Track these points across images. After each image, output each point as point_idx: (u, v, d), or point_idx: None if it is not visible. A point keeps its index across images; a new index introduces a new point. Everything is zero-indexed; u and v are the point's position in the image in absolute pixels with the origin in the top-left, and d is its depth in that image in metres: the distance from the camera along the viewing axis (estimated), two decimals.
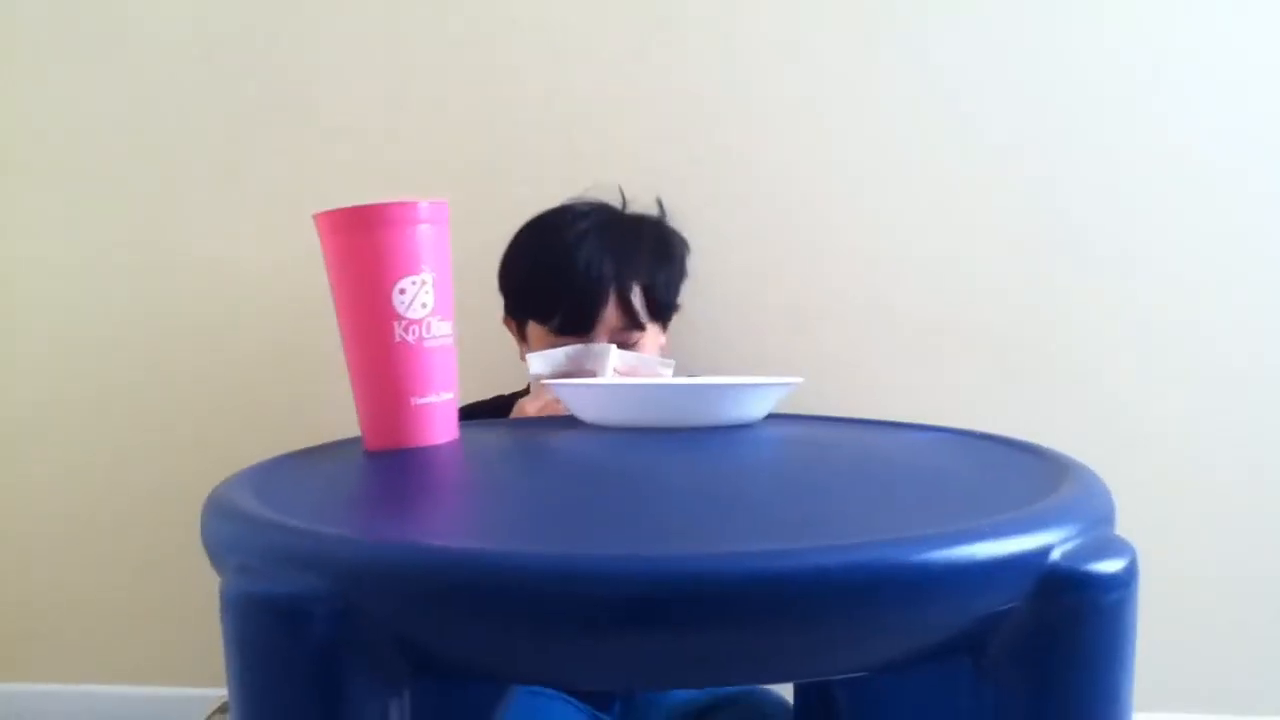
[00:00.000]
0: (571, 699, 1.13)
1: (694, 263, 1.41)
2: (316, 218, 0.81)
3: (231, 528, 0.58)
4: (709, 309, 1.50)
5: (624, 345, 1.26)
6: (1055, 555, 0.53)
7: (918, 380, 1.53)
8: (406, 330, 0.80)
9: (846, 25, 1.51)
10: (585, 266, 1.25)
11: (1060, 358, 1.52)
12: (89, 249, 1.66)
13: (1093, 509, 0.59)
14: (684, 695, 1.15)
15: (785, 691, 1.16)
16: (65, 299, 1.67)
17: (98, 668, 1.72)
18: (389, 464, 0.77)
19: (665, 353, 1.37)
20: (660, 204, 1.44)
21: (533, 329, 1.31)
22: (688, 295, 1.40)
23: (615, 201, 1.40)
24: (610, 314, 1.26)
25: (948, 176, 1.51)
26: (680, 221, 1.43)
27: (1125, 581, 0.54)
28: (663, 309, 1.33)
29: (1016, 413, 1.51)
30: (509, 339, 1.38)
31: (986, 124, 1.51)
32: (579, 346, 1.18)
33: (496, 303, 1.37)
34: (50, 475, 1.70)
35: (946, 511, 0.60)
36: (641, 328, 1.29)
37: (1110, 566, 0.54)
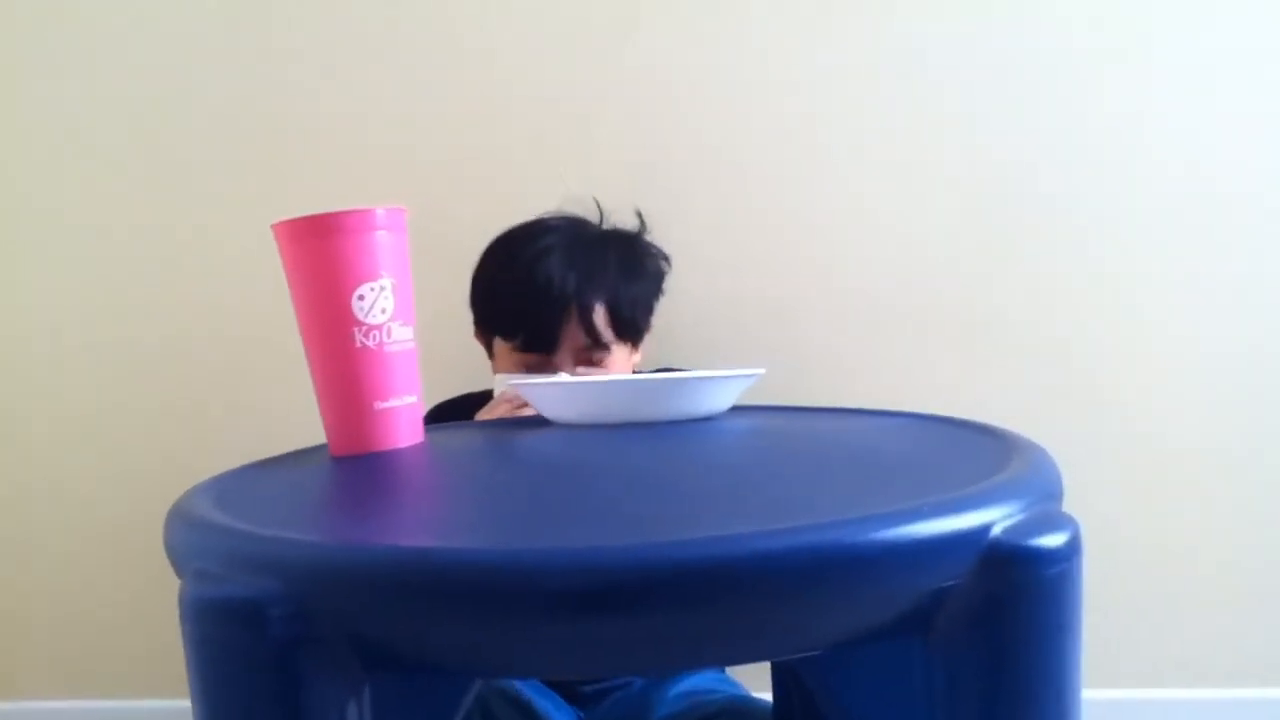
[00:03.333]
0: (550, 694, 1.13)
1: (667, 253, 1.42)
2: (274, 227, 0.82)
3: (189, 534, 0.59)
4: (682, 301, 1.51)
5: (589, 364, 1.25)
6: (996, 531, 0.54)
7: (892, 366, 1.55)
8: (367, 336, 0.81)
9: (818, 15, 1.52)
10: (546, 283, 1.22)
11: (1033, 340, 1.54)
12: (73, 258, 1.67)
13: (1037, 485, 0.60)
14: (670, 710, 1.14)
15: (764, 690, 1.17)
16: (49, 315, 1.68)
17: (88, 682, 1.73)
18: (353, 468, 0.78)
19: (638, 370, 1.35)
20: (640, 216, 1.41)
21: (498, 345, 1.30)
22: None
23: (593, 213, 1.37)
24: (573, 332, 1.24)
25: (918, 161, 1.53)
26: (652, 215, 1.42)
27: (1067, 555, 0.55)
28: (630, 328, 1.29)
29: (988, 394, 1.52)
30: (475, 343, 1.38)
31: (955, 107, 1.52)
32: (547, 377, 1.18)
33: (463, 306, 1.36)
34: (38, 490, 1.71)
35: (894, 493, 0.60)
36: (606, 348, 1.26)
37: (1051, 541, 0.55)
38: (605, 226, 1.37)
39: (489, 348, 1.34)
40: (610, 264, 1.28)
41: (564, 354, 1.25)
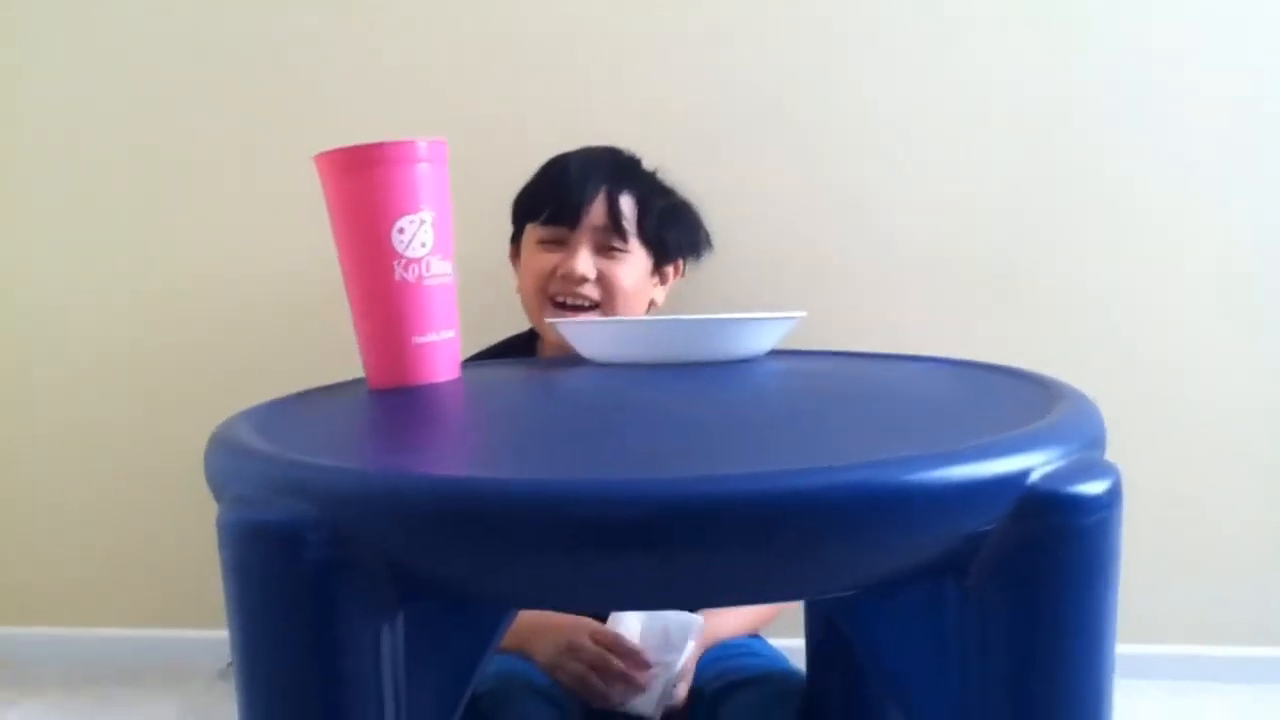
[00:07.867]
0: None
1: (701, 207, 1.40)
2: (316, 159, 0.82)
3: (229, 460, 0.59)
4: (725, 251, 1.49)
5: (608, 254, 1.25)
6: (1035, 477, 0.53)
7: (935, 319, 1.53)
8: (406, 269, 0.81)
9: None
10: (581, 163, 1.27)
11: (1078, 292, 1.51)
12: (101, 215, 1.68)
13: (1078, 432, 0.59)
14: (702, 678, 1.11)
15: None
16: (96, 261, 1.70)
17: (115, 611, 1.78)
18: (390, 401, 0.78)
19: (657, 312, 1.34)
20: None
21: (527, 239, 1.30)
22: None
23: None
24: (596, 208, 1.24)
25: (961, 111, 1.50)
26: (694, 165, 1.41)
27: (1107, 503, 0.55)
28: (653, 233, 1.29)
29: (1031, 345, 1.50)
30: (509, 283, 1.37)
31: (1000, 59, 1.49)
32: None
33: (497, 247, 1.37)
34: (66, 422, 1.73)
35: (933, 436, 0.60)
36: (625, 238, 1.25)
37: (1091, 488, 0.54)
38: None
39: (518, 256, 1.34)
40: (645, 177, 1.33)
41: (584, 232, 1.24)
